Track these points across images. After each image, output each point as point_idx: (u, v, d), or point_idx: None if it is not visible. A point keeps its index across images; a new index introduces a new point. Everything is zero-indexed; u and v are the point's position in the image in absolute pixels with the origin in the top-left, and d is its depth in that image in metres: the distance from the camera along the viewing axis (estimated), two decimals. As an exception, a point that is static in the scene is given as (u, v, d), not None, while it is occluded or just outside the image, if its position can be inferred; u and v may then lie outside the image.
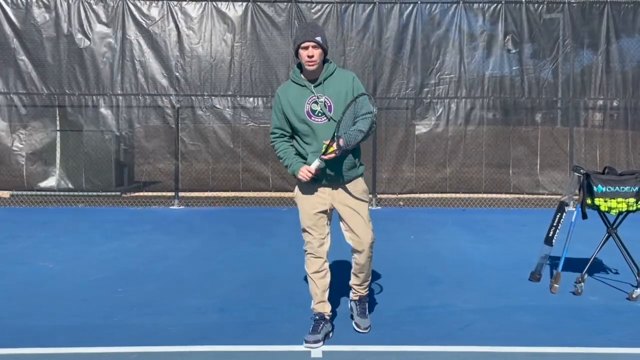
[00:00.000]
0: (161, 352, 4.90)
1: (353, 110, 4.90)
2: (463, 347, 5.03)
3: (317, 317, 5.19)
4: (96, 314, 5.78)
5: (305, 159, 5.02)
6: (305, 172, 4.88)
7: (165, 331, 5.33)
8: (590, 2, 12.44)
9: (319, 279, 5.18)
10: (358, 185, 5.16)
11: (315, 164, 4.84)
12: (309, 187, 5.10)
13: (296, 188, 5.26)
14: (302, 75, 5.03)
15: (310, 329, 5.11)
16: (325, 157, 4.80)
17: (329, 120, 4.90)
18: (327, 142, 4.80)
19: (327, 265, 5.21)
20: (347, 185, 5.11)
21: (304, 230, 5.19)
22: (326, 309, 5.22)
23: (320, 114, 4.94)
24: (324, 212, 5.13)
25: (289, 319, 5.66)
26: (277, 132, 5.14)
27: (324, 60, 5.04)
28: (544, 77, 12.38)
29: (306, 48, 4.86)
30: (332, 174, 5.02)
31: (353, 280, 5.44)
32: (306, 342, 4.98)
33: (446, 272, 7.36)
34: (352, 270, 5.39)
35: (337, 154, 4.79)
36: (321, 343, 5.01)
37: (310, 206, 5.11)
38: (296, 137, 5.11)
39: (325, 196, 5.10)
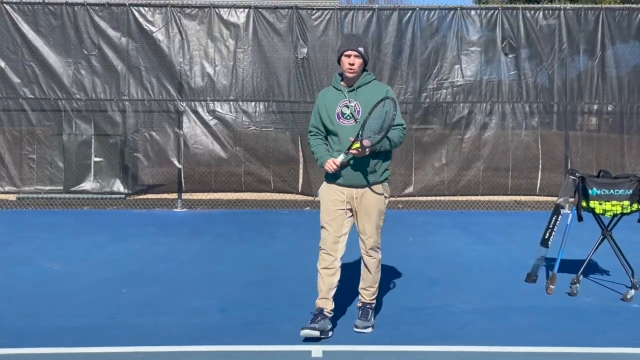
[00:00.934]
0: (164, 351, 4.91)
1: (383, 116, 5.16)
2: (462, 347, 5.04)
3: (317, 312, 5.25)
4: (101, 314, 5.79)
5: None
6: (330, 164, 5.16)
7: (167, 331, 5.34)
8: (585, 8, 12.43)
9: (327, 276, 5.28)
10: (376, 190, 5.33)
11: (340, 157, 5.13)
12: (331, 185, 5.35)
13: (321, 187, 5.50)
14: (341, 82, 5.36)
15: (309, 321, 5.16)
16: (350, 152, 5.09)
17: (356, 122, 5.19)
18: (352, 138, 5.07)
19: (338, 264, 5.31)
20: (366, 188, 5.29)
21: (322, 227, 5.37)
22: (328, 305, 5.28)
23: (349, 117, 5.24)
24: (343, 210, 5.31)
25: (289, 319, 5.65)
26: (313, 130, 5.46)
27: (364, 70, 5.35)
28: (540, 82, 12.36)
29: (349, 56, 5.21)
30: (352, 175, 5.25)
31: (360, 284, 5.54)
32: (302, 329, 5.05)
33: (444, 274, 7.37)
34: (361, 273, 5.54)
35: (359, 152, 5.06)
36: (317, 333, 5.05)
37: (331, 202, 5.33)
38: (328, 137, 5.40)
39: (344, 196, 5.30)
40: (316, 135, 5.43)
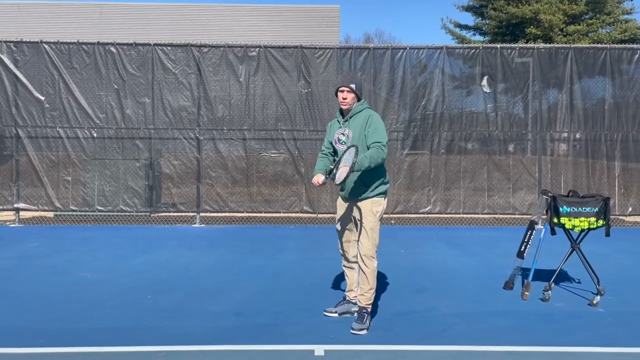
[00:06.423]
0: (185, 350, 4.95)
1: (362, 145, 5.41)
2: (445, 346, 5.07)
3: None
4: (128, 317, 5.83)
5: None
6: (315, 179, 5.47)
7: (188, 333, 5.37)
8: (556, 47, 12.54)
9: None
10: (367, 205, 5.51)
11: (322, 178, 5.44)
12: (340, 198, 5.76)
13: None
14: (340, 114, 5.67)
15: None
16: (328, 177, 5.44)
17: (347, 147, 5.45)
18: (332, 166, 5.41)
19: (346, 264, 5.92)
20: (359, 203, 5.52)
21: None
22: (350, 295, 5.92)
23: (343, 142, 5.52)
24: (348, 219, 5.69)
25: (296, 322, 5.69)
26: (323, 149, 5.84)
27: (359, 100, 5.62)
28: (515, 113, 12.44)
29: (342, 91, 5.52)
30: (349, 190, 5.53)
31: (357, 290, 5.67)
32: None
33: (431, 282, 7.39)
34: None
35: (327, 179, 5.41)
36: (335, 314, 5.80)
37: (340, 212, 5.75)
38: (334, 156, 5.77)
39: (348, 207, 5.66)
40: (323, 155, 5.78)
